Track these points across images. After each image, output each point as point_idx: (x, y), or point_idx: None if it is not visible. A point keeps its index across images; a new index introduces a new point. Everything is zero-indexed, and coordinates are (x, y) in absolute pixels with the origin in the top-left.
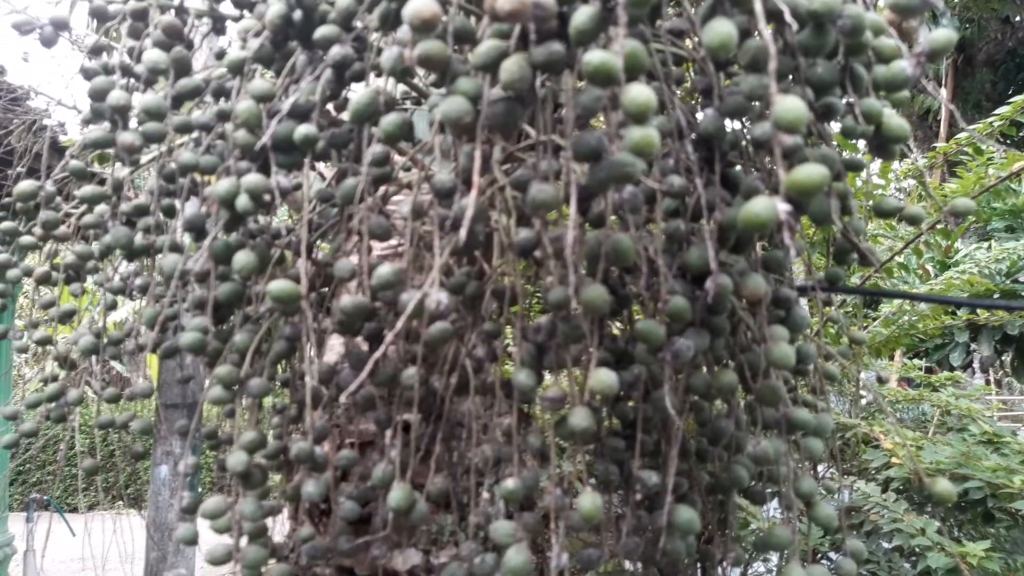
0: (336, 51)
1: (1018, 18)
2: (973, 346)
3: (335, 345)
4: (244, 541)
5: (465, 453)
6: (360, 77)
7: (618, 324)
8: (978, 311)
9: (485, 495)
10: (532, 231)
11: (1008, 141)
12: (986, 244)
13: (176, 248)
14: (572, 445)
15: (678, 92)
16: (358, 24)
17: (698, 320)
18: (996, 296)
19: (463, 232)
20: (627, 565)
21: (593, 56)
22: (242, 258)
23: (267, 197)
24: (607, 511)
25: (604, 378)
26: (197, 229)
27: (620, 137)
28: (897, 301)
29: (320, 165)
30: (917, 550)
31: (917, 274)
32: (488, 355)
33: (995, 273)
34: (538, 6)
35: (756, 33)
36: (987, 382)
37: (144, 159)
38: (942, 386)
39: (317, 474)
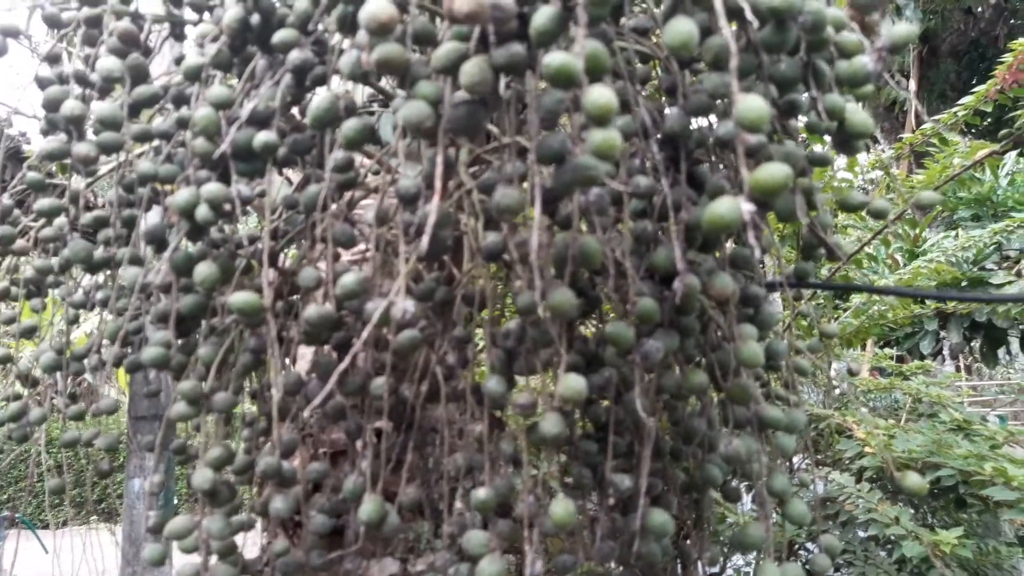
0: (295, 55)
1: (980, 9)
2: (942, 334)
3: (306, 354)
4: (213, 559)
5: (439, 460)
6: (322, 81)
7: (590, 326)
8: (947, 300)
9: (459, 504)
10: (499, 235)
11: (973, 131)
12: (953, 233)
13: (137, 260)
14: (545, 450)
15: (645, 90)
16: (318, 27)
17: (667, 321)
18: (963, 284)
19: (426, 238)
20: (604, 568)
21: (553, 58)
22: (204, 269)
23: (227, 206)
24: (582, 514)
25: (573, 384)
26: (158, 240)
27: (583, 140)
28: (866, 292)
29: (289, 171)
30: (892, 539)
31: (886, 264)
32: (459, 361)
33: (962, 261)
34: (496, 7)
35: (718, 31)
36: (956, 369)
37: (103, 170)
38: (913, 374)
39: (285, 489)
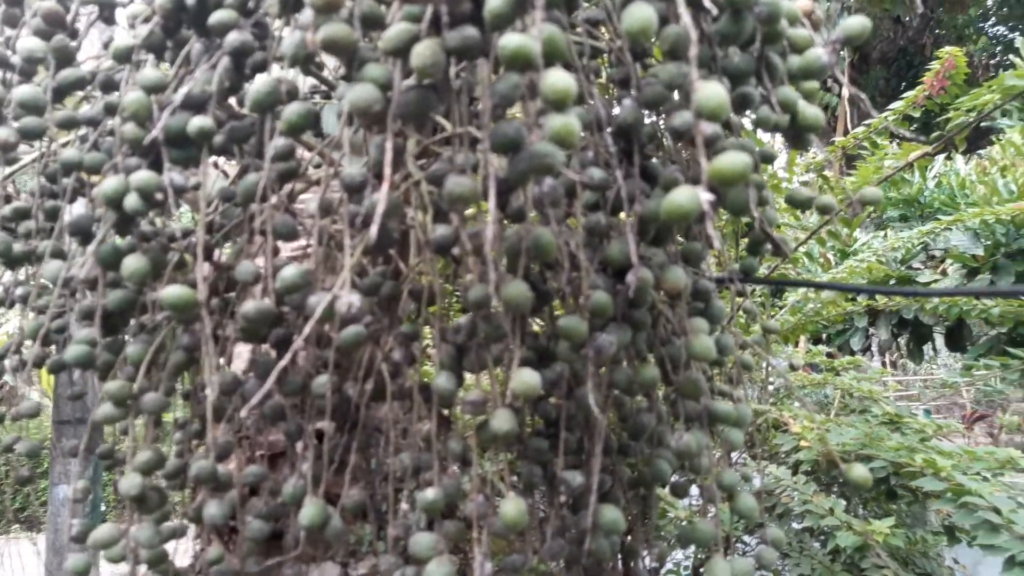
0: (234, 37)
1: (908, 18)
2: (871, 331)
3: (243, 352)
4: (143, 569)
5: (383, 461)
6: (262, 67)
7: (539, 321)
8: (877, 297)
9: (404, 505)
10: (449, 227)
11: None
12: (882, 233)
13: (59, 254)
14: (494, 448)
15: (594, 84)
16: (258, 9)
17: (619, 315)
18: (892, 282)
19: (374, 229)
20: (548, 567)
21: (510, 40)
22: (133, 263)
23: (159, 196)
24: (531, 513)
25: (527, 379)
26: (83, 232)
27: (539, 127)
28: (802, 289)
29: (224, 162)
30: (826, 529)
31: (819, 263)
32: (406, 358)
33: (891, 260)
34: None
35: (675, 20)
36: (883, 364)
37: (26, 158)
38: (844, 370)
39: (220, 494)
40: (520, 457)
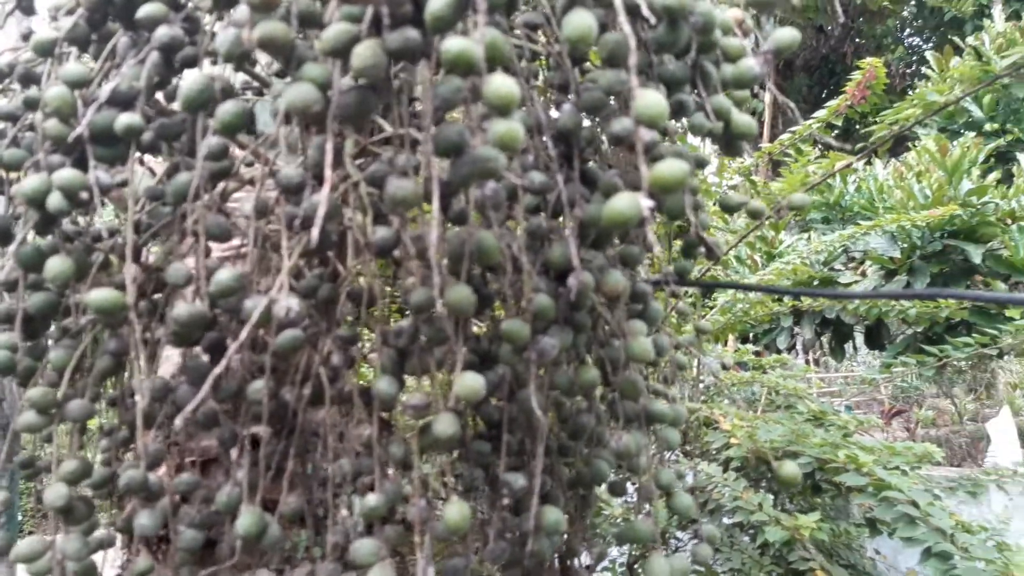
0: (163, 32)
1: (830, 27)
2: (796, 330)
3: (172, 356)
4: None
5: (320, 466)
6: (192, 63)
7: (479, 324)
8: (801, 298)
9: (344, 511)
10: (390, 230)
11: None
12: (806, 236)
13: None
14: (436, 452)
15: (534, 87)
16: (188, 3)
17: (560, 317)
18: (816, 283)
19: (316, 232)
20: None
21: (452, 43)
22: (56, 264)
23: (85, 195)
24: (472, 516)
25: (470, 383)
26: (2, 233)
27: (483, 131)
28: (731, 291)
29: (150, 160)
30: (755, 524)
31: (747, 265)
32: (344, 362)
33: (815, 263)
34: None
35: (614, 28)
36: (807, 362)
37: None
38: (771, 368)
39: (151, 503)
40: (460, 459)
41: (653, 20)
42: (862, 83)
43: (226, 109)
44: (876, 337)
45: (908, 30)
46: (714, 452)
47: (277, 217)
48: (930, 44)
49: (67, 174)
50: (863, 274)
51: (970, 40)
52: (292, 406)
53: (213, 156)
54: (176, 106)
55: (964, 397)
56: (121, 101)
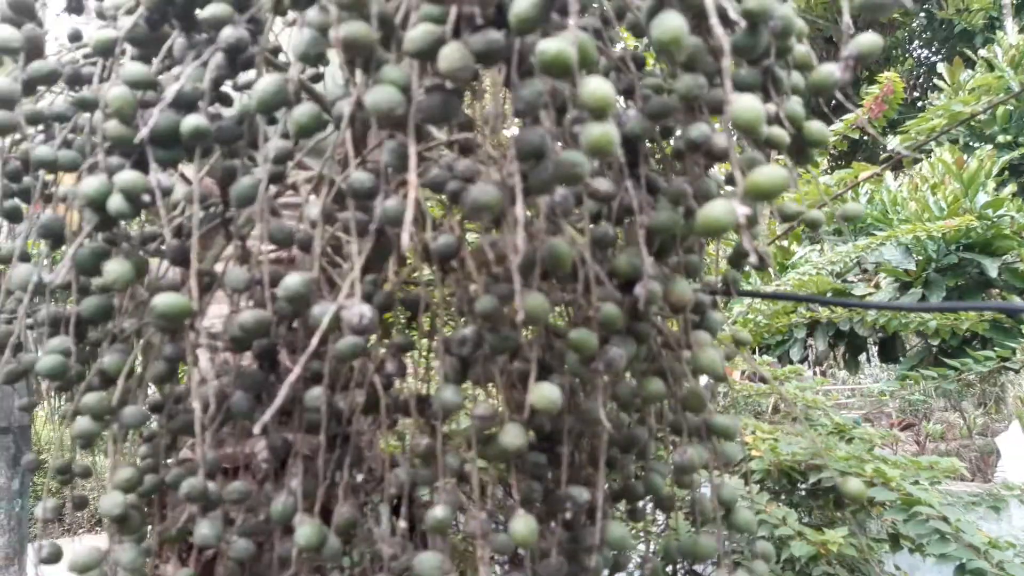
0: (228, 33)
1: (839, 39)
2: (809, 341)
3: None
4: None
5: (367, 476)
6: (249, 64)
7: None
8: (820, 309)
9: (402, 523)
10: (452, 236)
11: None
12: (818, 247)
13: (26, 257)
14: (496, 464)
15: None
16: (251, 4)
17: (624, 327)
18: (828, 293)
19: (405, 236)
20: None
21: (549, 44)
22: (116, 268)
23: (146, 198)
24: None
25: (548, 394)
26: (54, 235)
27: (573, 135)
28: (747, 301)
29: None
30: (780, 539)
31: (762, 275)
32: (398, 370)
33: (830, 274)
34: None
35: (698, 30)
36: (815, 374)
37: None
38: (787, 379)
39: (211, 512)
40: (517, 472)
41: (735, 25)
42: (880, 97)
43: (303, 111)
44: (890, 350)
45: (916, 42)
46: (735, 465)
47: (344, 223)
48: (939, 56)
49: (129, 176)
50: (876, 286)
51: (983, 52)
52: (345, 414)
53: (279, 159)
54: (232, 109)
55: (973, 411)
56: (184, 103)
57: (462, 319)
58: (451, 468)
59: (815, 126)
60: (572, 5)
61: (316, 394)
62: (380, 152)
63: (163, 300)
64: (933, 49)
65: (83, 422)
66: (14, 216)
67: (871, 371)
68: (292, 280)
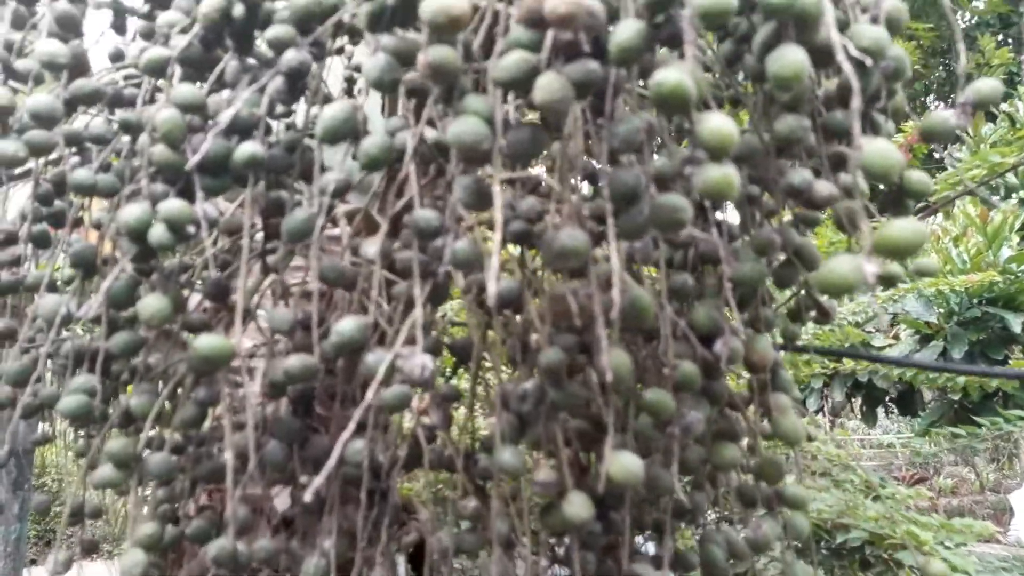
0: (291, 56)
1: None
2: (825, 392)
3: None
4: None
5: (397, 532)
6: (303, 90)
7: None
8: (843, 360)
9: None
10: (514, 281)
11: None
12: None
13: (53, 287)
14: (556, 535)
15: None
16: (315, 27)
17: (698, 387)
18: (846, 344)
19: (492, 286)
20: None
21: (668, 76)
22: (154, 303)
23: (191, 228)
24: None
25: (630, 466)
26: (86, 264)
27: (683, 177)
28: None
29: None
30: None
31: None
32: (443, 421)
33: (852, 324)
34: (592, 14)
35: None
36: (831, 424)
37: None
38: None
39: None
40: (571, 541)
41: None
42: (903, 146)
43: (373, 143)
44: (909, 403)
45: (931, 95)
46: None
47: (402, 263)
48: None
49: (175, 205)
50: (896, 337)
51: (1004, 107)
52: (384, 468)
53: (337, 193)
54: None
55: (986, 466)
56: (240, 129)
57: (514, 371)
58: (499, 534)
59: (916, 176)
60: (688, 34)
61: (359, 447)
62: (442, 189)
63: (207, 343)
64: (950, 102)
65: (106, 470)
66: (42, 242)
67: (882, 422)
68: (347, 325)
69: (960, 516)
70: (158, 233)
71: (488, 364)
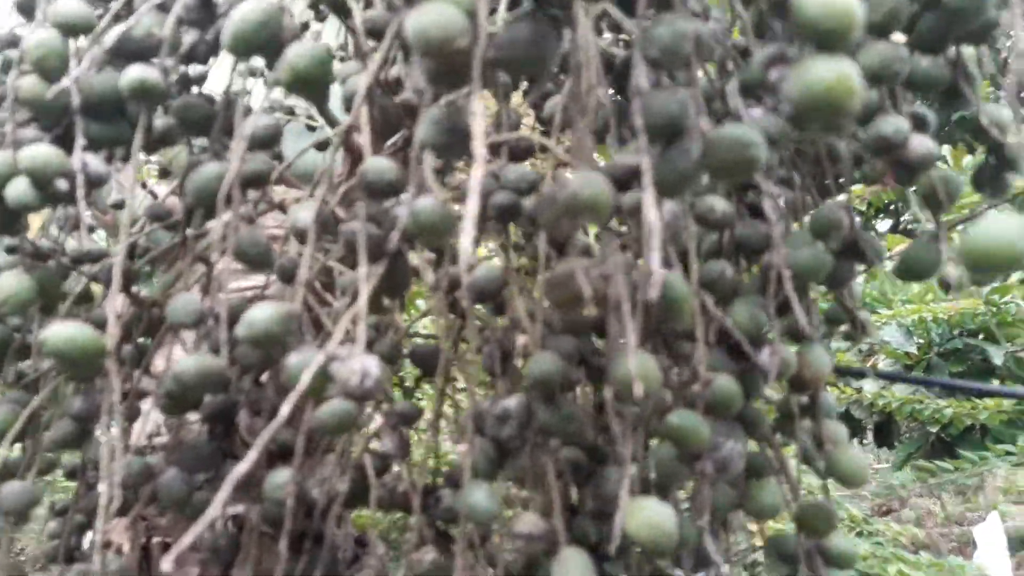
0: None
1: None
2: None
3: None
4: None
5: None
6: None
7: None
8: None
9: None
10: (496, 268)
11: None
12: None
13: None
14: None
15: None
16: None
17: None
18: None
19: (465, 257)
20: None
21: None
22: (11, 283)
23: (62, 184)
24: None
25: (659, 522)
26: None
27: (772, 89)
28: None
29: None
30: None
31: None
32: (398, 448)
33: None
34: None
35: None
36: None
37: None
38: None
39: None
40: None
41: None
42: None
43: (299, 52)
44: (886, 434)
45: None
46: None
47: (344, 234)
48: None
49: (41, 152)
50: (873, 367)
51: None
52: (319, 506)
53: (261, 142)
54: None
55: (951, 499)
56: (134, 55)
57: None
58: None
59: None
60: None
61: (281, 480)
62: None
63: (60, 333)
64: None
65: None
66: None
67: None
68: (259, 314)
69: (925, 549)
70: (19, 190)
71: (459, 379)
